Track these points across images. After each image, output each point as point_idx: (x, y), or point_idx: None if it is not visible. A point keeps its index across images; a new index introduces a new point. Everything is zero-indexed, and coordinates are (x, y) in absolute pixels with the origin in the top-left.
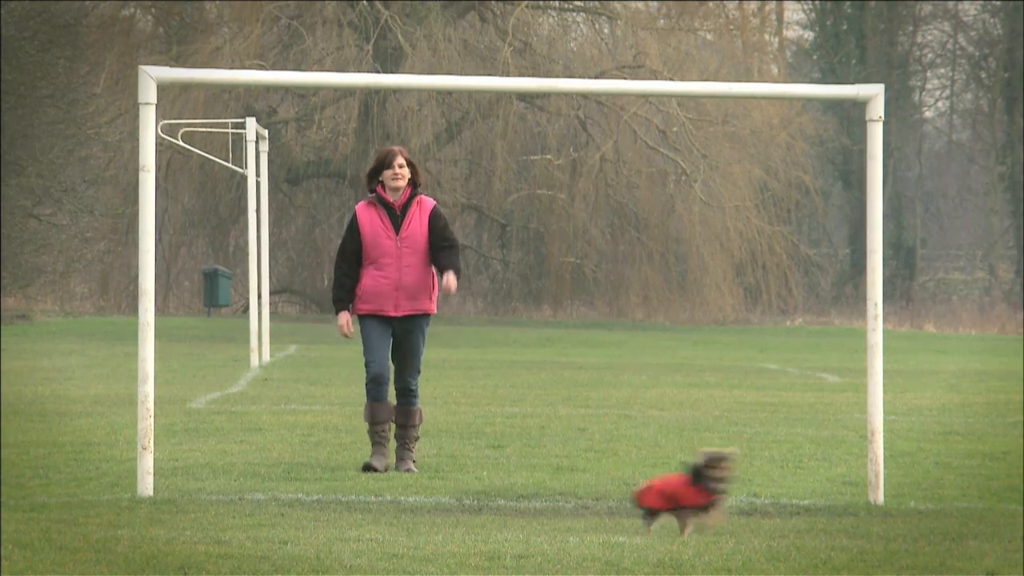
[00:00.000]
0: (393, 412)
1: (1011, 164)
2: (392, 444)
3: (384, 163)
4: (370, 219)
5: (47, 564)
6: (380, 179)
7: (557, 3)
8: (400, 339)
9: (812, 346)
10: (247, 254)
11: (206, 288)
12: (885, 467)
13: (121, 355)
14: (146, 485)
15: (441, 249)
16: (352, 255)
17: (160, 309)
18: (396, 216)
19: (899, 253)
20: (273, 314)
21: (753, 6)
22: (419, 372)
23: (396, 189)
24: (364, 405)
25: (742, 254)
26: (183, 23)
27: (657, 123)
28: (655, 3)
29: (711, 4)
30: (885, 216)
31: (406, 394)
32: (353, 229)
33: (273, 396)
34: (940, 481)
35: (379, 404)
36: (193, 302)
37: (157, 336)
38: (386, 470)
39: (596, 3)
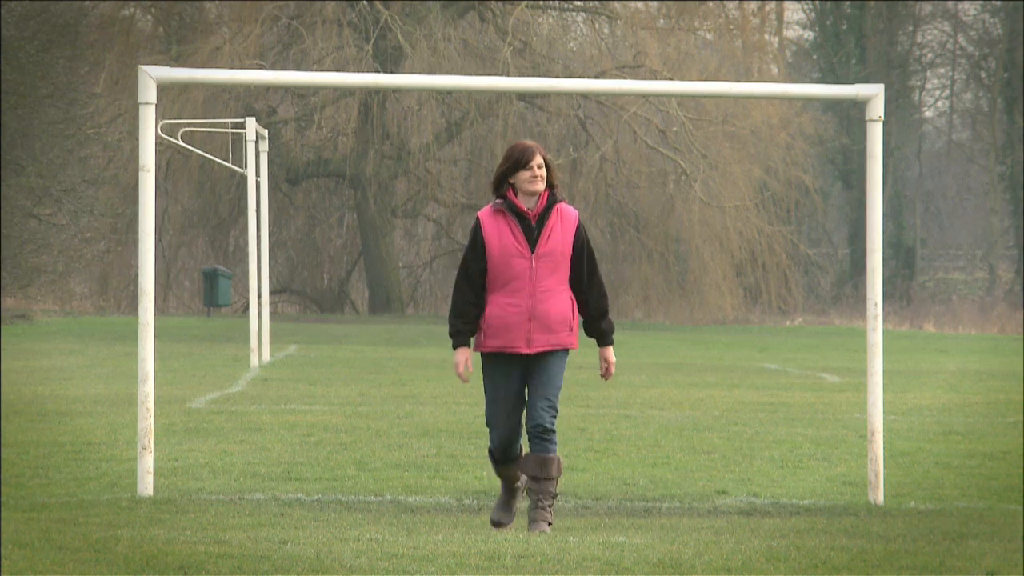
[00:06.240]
0: (522, 462)
1: (1011, 164)
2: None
3: (520, 162)
4: (498, 232)
5: (47, 564)
6: (511, 182)
7: (557, 3)
8: (533, 372)
9: (812, 346)
10: (247, 254)
11: (206, 288)
12: (885, 467)
13: (121, 355)
14: (146, 485)
15: (589, 296)
16: (478, 276)
17: (160, 309)
18: (531, 228)
19: (899, 253)
20: (273, 314)
21: (753, 6)
22: (556, 410)
23: (533, 194)
24: (488, 460)
25: (742, 254)
26: (183, 23)
27: (657, 123)
28: (655, 3)
29: (711, 4)
30: (885, 216)
31: (541, 437)
32: (477, 244)
33: (273, 396)
34: (940, 481)
35: (507, 467)
36: (193, 302)
37: (157, 336)
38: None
39: (596, 3)
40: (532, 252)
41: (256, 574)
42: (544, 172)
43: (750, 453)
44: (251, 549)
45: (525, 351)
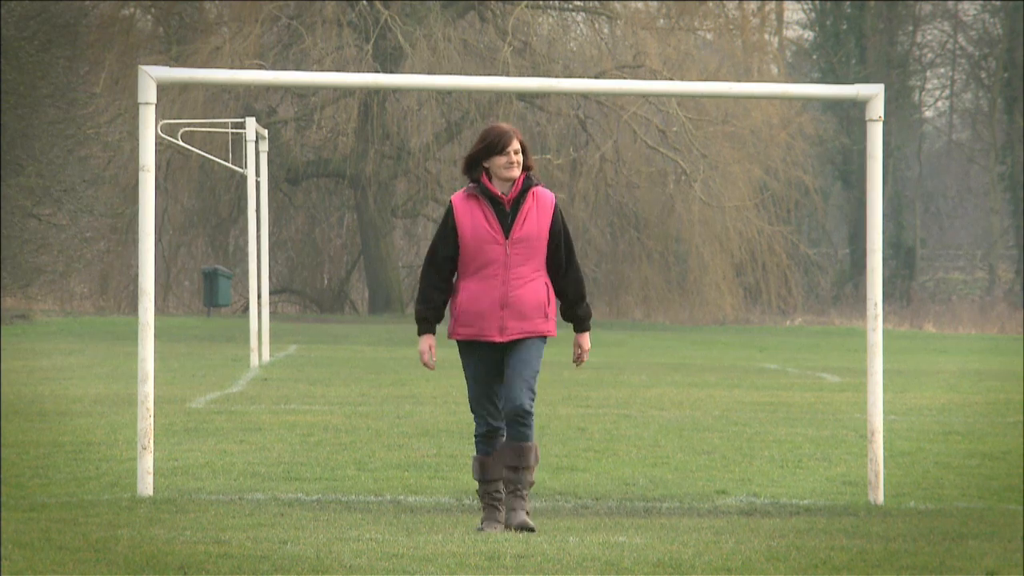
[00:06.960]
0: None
1: (1011, 164)
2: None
3: (496, 148)
4: (472, 217)
5: (47, 564)
6: (486, 166)
7: (557, 3)
8: (509, 357)
9: (812, 346)
10: (247, 254)
11: (206, 288)
12: (885, 467)
13: (121, 355)
14: (146, 485)
15: (567, 282)
16: (446, 262)
17: (160, 309)
18: (505, 214)
19: (899, 253)
20: (273, 314)
21: (753, 6)
22: (534, 392)
23: (508, 180)
24: (472, 458)
25: (742, 254)
26: (183, 23)
27: (657, 123)
28: (655, 3)
29: (711, 4)
30: (885, 216)
31: (518, 420)
32: (449, 228)
33: (273, 396)
34: (940, 481)
35: (491, 458)
36: (193, 302)
37: (157, 336)
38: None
39: (596, 3)
40: (506, 238)
41: (256, 574)
42: (520, 157)
43: (750, 453)
44: (251, 549)
45: (498, 339)
